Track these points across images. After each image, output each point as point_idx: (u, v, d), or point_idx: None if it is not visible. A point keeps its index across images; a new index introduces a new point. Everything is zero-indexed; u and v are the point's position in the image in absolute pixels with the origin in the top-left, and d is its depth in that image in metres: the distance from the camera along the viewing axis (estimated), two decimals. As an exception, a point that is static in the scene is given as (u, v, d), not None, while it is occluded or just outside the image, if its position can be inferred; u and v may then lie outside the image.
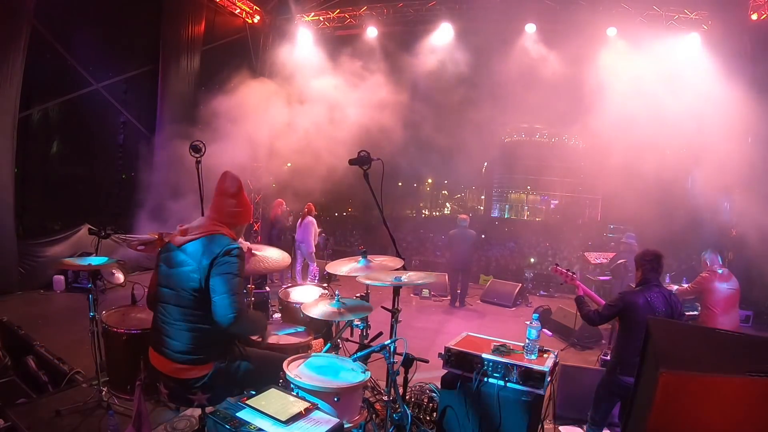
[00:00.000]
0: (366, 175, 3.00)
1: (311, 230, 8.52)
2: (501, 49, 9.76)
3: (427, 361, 2.85)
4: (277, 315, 3.65)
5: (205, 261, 2.29)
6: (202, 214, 3.13)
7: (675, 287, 5.40)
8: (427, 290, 8.93)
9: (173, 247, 2.39)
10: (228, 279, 2.28)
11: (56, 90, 7.69)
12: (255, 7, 10.69)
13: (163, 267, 2.41)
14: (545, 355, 2.96)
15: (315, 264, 8.69)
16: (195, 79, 9.61)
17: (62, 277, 7.09)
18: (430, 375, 3.57)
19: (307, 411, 1.97)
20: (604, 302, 3.64)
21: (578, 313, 3.66)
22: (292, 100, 9.85)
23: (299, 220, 8.70)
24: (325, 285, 3.91)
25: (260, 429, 1.85)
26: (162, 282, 2.40)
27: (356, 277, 3.03)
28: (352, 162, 2.97)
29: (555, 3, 9.43)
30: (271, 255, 3.23)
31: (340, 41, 10.60)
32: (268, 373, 2.43)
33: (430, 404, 3.51)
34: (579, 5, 9.20)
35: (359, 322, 3.35)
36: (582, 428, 3.62)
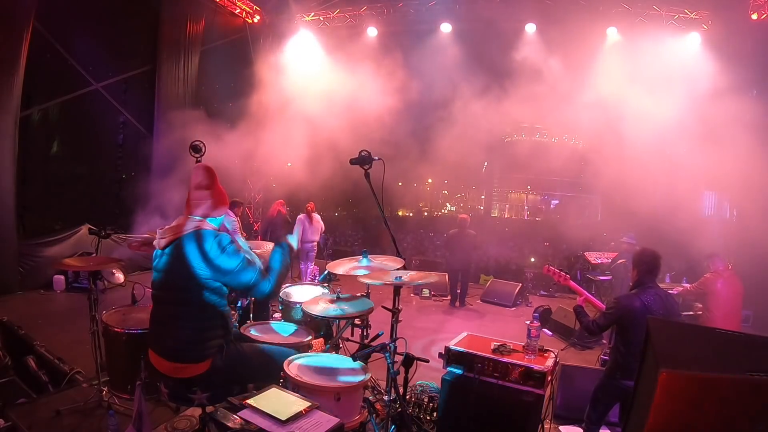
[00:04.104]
0: (367, 175, 3.00)
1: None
2: (501, 49, 9.76)
3: (427, 361, 2.85)
4: (278, 314, 3.65)
5: (199, 259, 2.31)
6: None
7: (678, 288, 5.41)
8: (428, 290, 8.92)
9: (159, 250, 2.44)
10: (229, 256, 2.32)
11: (56, 90, 7.70)
12: (255, 7, 10.70)
13: (154, 270, 2.47)
14: (545, 355, 2.96)
15: (311, 264, 8.56)
16: (194, 79, 9.60)
17: (62, 277, 7.09)
18: (430, 375, 3.57)
19: (308, 411, 1.97)
20: (600, 302, 3.64)
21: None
22: (292, 100, 9.85)
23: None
24: (325, 285, 3.91)
25: (260, 428, 1.85)
26: (155, 284, 2.45)
27: (357, 276, 3.03)
28: (353, 162, 2.97)
29: (555, 3, 9.43)
30: (270, 249, 3.22)
31: (339, 41, 10.60)
32: (268, 371, 2.44)
33: (430, 404, 3.51)
34: (579, 5, 9.20)
35: (359, 322, 3.35)
36: (582, 428, 3.62)
